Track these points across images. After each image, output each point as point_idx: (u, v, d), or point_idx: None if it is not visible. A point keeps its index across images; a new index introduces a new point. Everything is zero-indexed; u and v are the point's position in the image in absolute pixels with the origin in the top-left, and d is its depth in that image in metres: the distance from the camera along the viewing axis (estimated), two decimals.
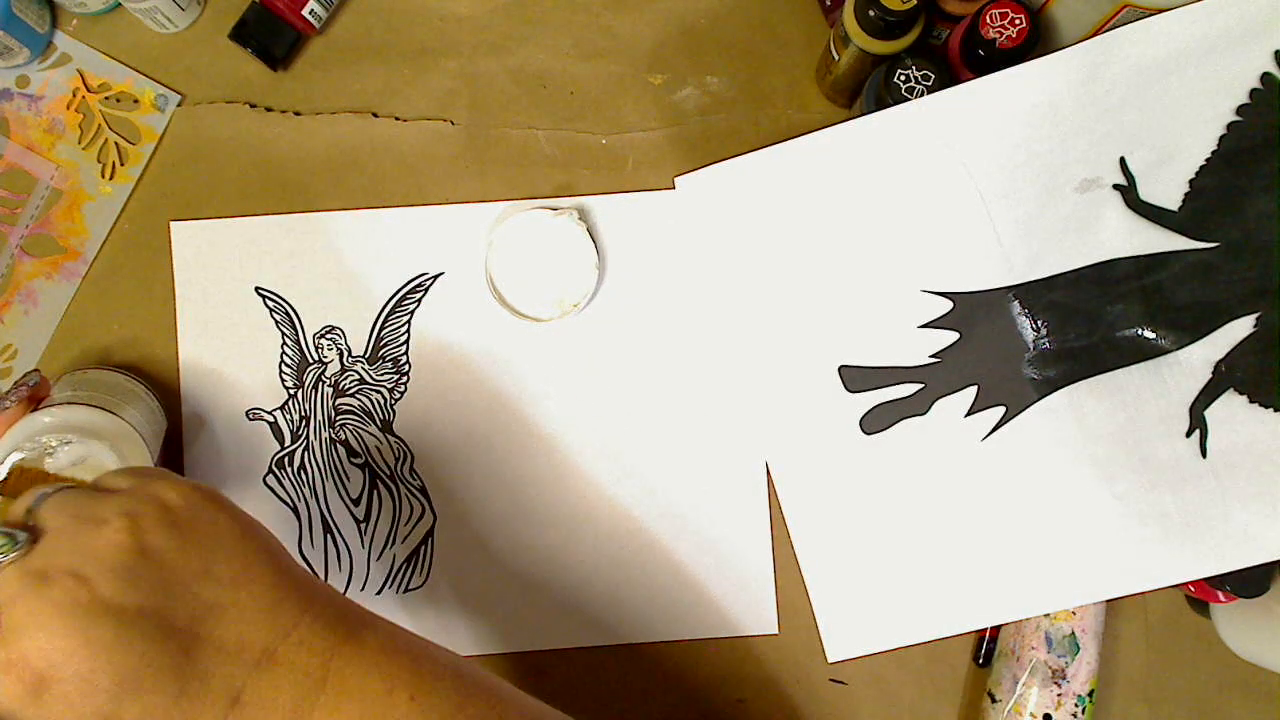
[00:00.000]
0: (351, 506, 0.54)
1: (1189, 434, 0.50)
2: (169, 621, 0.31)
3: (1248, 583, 0.50)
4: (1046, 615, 0.51)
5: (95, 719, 0.29)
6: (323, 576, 0.54)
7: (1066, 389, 0.51)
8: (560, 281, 0.53)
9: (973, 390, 0.52)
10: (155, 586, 0.31)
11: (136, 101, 0.55)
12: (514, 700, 0.37)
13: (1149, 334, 0.50)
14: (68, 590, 0.30)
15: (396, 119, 0.56)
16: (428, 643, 0.37)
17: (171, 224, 0.55)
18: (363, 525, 0.54)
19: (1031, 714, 0.50)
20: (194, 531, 0.33)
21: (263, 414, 0.54)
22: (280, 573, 0.34)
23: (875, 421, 0.52)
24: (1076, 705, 0.50)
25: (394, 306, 0.55)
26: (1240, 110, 0.48)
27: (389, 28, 0.57)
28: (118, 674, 0.29)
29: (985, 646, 0.54)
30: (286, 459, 0.54)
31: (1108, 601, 0.52)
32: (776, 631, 0.54)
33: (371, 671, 0.34)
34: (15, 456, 0.41)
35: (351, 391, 0.54)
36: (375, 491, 0.54)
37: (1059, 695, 0.50)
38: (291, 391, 0.54)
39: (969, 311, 0.51)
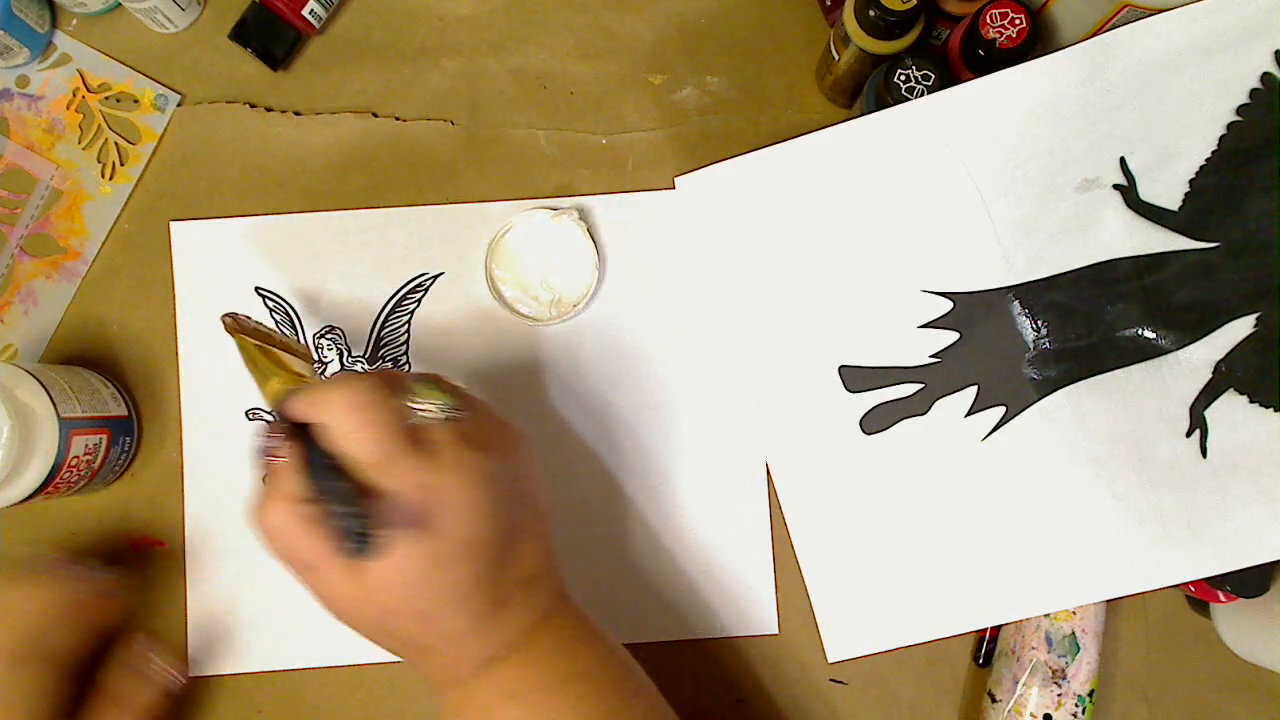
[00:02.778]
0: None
1: (1189, 434, 0.50)
2: (509, 519, 0.38)
3: (1248, 583, 0.50)
4: (1046, 615, 0.51)
5: (436, 556, 0.36)
6: None
7: (1066, 389, 0.51)
8: (560, 281, 0.53)
9: (973, 390, 0.52)
10: (511, 490, 0.39)
11: (136, 101, 0.56)
12: (648, 681, 0.45)
13: (1149, 334, 0.50)
14: (484, 461, 0.37)
15: (396, 119, 0.56)
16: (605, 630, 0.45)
17: (171, 224, 0.55)
18: None
19: (1031, 714, 0.50)
20: (533, 468, 0.42)
21: (263, 414, 0.54)
22: (549, 530, 0.43)
23: (875, 421, 0.52)
24: (1076, 705, 0.50)
25: (394, 306, 0.55)
26: (1240, 110, 0.48)
27: (389, 28, 0.57)
28: (476, 535, 0.37)
29: (985, 646, 0.54)
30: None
31: (1108, 601, 0.52)
32: (776, 632, 0.54)
33: (572, 623, 0.42)
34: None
35: None
36: None
37: (1059, 695, 0.50)
38: None
39: (969, 311, 0.51)
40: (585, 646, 0.42)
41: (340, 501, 0.35)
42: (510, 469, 0.39)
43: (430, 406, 0.38)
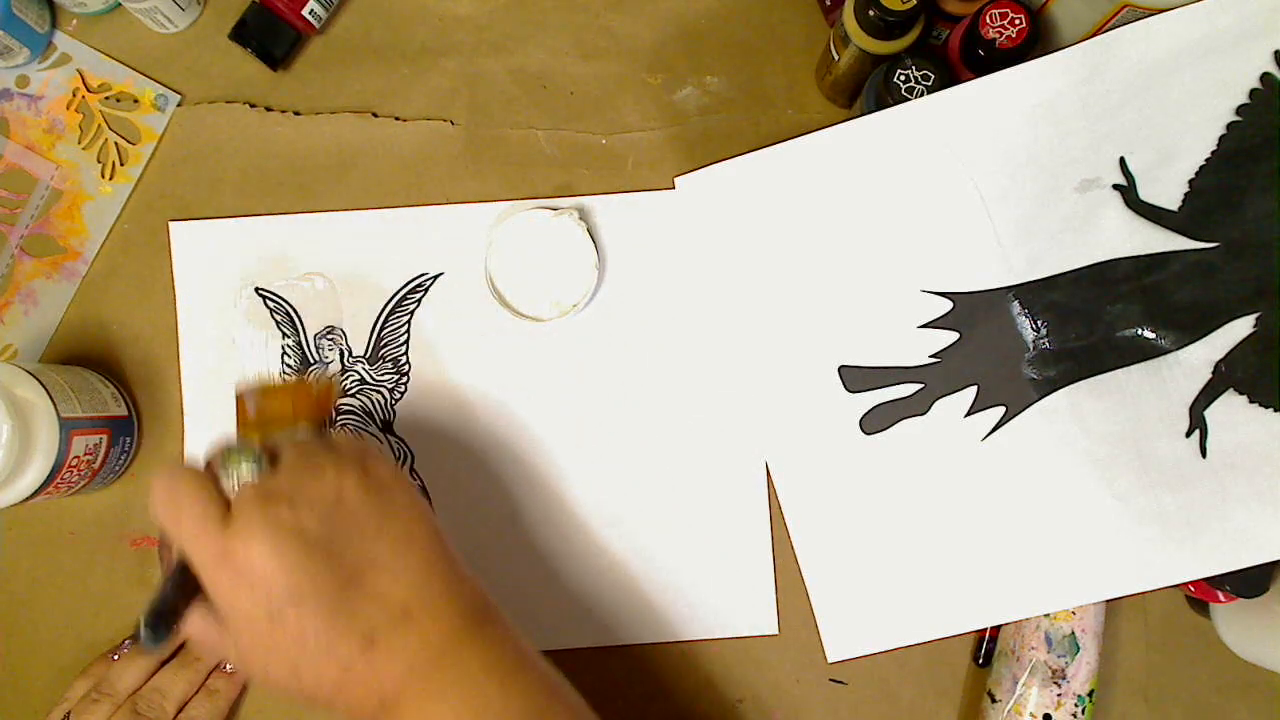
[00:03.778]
0: None
1: (1189, 434, 0.50)
2: (340, 559, 0.37)
3: (1248, 583, 0.50)
4: (1046, 615, 0.51)
5: (265, 613, 0.36)
6: None
7: (1066, 389, 0.51)
8: (560, 281, 0.53)
9: (973, 390, 0.52)
10: (339, 530, 0.38)
11: (136, 101, 0.56)
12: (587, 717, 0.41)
13: (1149, 334, 0.50)
14: (280, 512, 0.37)
15: (396, 119, 0.56)
16: (536, 653, 0.41)
17: (171, 224, 0.55)
18: None
19: (1031, 714, 0.50)
20: (381, 499, 0.40)
21: None
22: (437, 554, 0.40)
23: (875, 421, 0.52)
24: (1076, 705, 0.50)
25: (394, 306, 0.55)
26: (1240, 110, 0.48)
27: (389, 28, 0.57)
28: (291, 583, 0.36)
29: (985, 646, 0.54)
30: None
31: (1108, 601, 0.52)
32: (776, 632, 0.54)
33: (480, 659, 0.39)
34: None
35: (352, 392, 0.54)
36: None
37: (1059, 695, 0.50)
38: None
39: (969, 311, 0.51)
40: (495, 683, 0.38)
41: (158, 592, 0.38)
42: (329, 511, 0.38)
43: (235, 474, 0.38)
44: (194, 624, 0.38)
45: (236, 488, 0.38)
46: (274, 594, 0.36)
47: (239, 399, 0.42)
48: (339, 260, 0.55)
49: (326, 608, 0.37)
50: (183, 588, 0.37)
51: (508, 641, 0.41)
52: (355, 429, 0.54)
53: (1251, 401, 0.49)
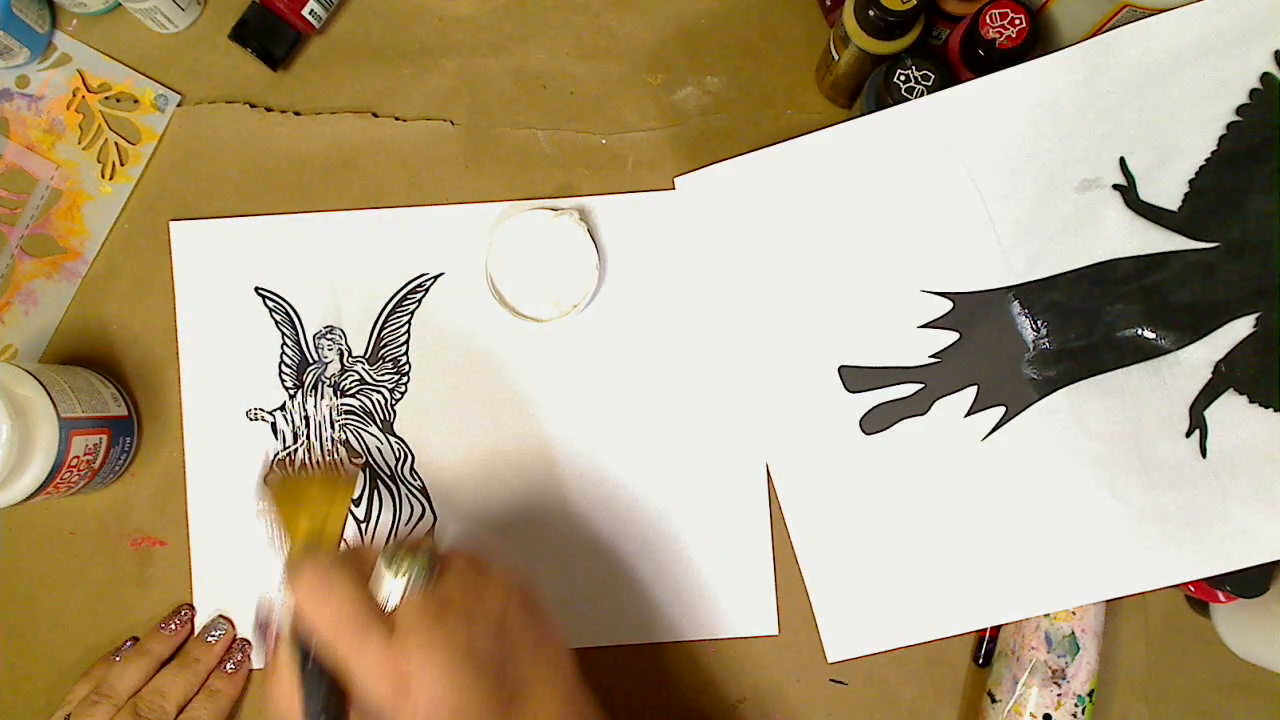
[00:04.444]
0: (352, 507, 0.54)
1: (1189, 434, 0.50)
2: (504, 680, 0.37)
3: (1248, 583, 0.50)
4: (1046, 615, 0.51)
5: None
6: None
7: (1066, 389, 0.51)
8: (560, 282, 0.53)
9: (973, 390, 0.52)
10: (505, 652, 0.37)
11: (136, 101, 0.55)
12: None
13: (1149, 334, 0.50)
14: (455, 627, 0.36)
15: (396, 119, 0.56)
16: None
17: (171, 224, 0.55)
18: (363, 525, 0.54)
19: (1031, 714, 0.50)
20: (539, 622, 0.40)
21: (263, 414, 0.54)
22: (578, 680, 0.41)
23: (875, 421, 0.52)
24: (1076, 705, 0.50)
25: (394, 307, 0.55)
26: (1240, 110, 0.48)
27: (389, 28, 0.57)
28: (459, 705, 0.35)
29: (985, 646, 0.54)
30: (287, 459, 0.54)
31: (1108, 601, 0.52)
32: (776, 632, 0.54)
33: None
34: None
35: (352, 392, 0.54)
36: (375, 492, 0.54)
37: (1059, 695, 0.50)
38: (291, 392, 0.54)
39: (969, 311, 0.51)
40: None
41: (310, 695, 0.35)
42: (496, 630, 0.38)
43: (398, 582, 0.37)
44: None
45: (395, 594, 0.37)
46: (441, 713, 0.35)
47: (264, 474, 0.41)
48: (339, 260, 0.55)
49: None
50: (332, 693, 0.36)
51: None
52: (355, 429, 0.54)
53: (1251, 401, 0.49)
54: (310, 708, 0.35)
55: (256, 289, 0.55)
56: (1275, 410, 0.49)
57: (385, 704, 0.35)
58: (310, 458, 0.54)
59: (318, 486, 0.43)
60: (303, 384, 0.54)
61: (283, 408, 0.54)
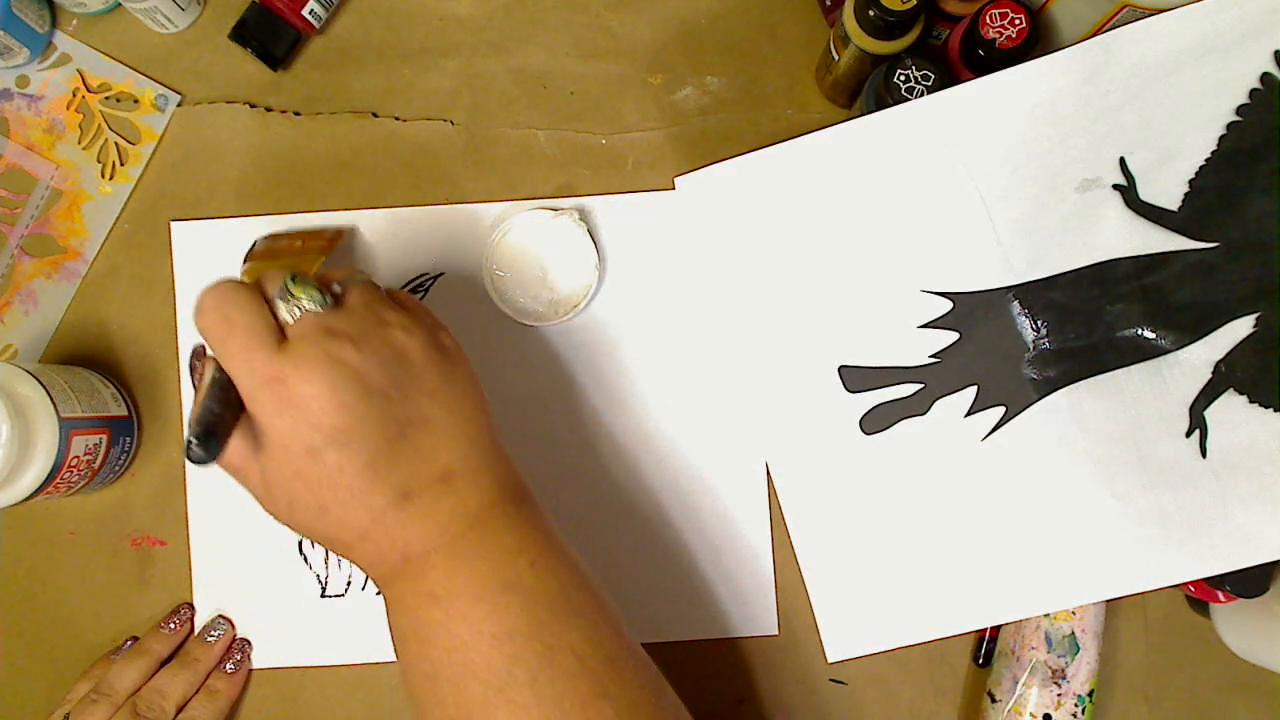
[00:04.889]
0: None
1: (1189, 434, 0.50)
2: (392, 412, 0.37)
3: (1248, 583, 0.50)
4: (1046, 615, 0.51)
5: (305, 446, 0.36)
6: (324, 574, 0.54)
7: (1066, 389, 0.51)
8: (560, 282, 0.53)
9: (973, 390, 0.52)
10: (398, 382, 0.37)
11: (136, 101, 0.56)
12: (612, 613, 0.40)
13: (1149, 334, 0.50)
14: (341, 351, 0.36)
15: (396, 119, 0.56)
16: (567, 543, 0.41)
17: (171, 224, 0.55)
18: None
19: (1031, 714, 0.50)
20: (444, 363, 0.40)
21: None
22: (484, 427, 0.41)
23: (875, 421, 0.52)
24: (1076, 705, 0.50)
25: None
26: (1240, 110, 0.48)
27: (389, 28, 0.57)
28: (339, 423, 0.36)
29: (985, 646, 0.54)
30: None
31: (1108, 601, 0.52)
32: (776, 633, 0.54)
33: (514, 533, 0.39)
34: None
35: None
36: None
37: (1059, 695, 0.50)
38: None
39: (969, 311, 0.51)
40: (523, 557, 0.38)
41: (202, 403, 0.36)
42: (392, 359, 0.38)
43: (297, 304, 0.37)
44: (230, 443, 0.37)
45: (294, 318, 0.37)
46: (320, 429, 0.35)
47: (251, 247, 0.40)
48: (339, 260, 0.55)
49: (369, 454, 0.36)
50: (225, 403, 0.36)
51: (542, 523, 0.41)
52: None
53: (1251, 401, 0.49)
54: (198, 414, 0.36)
55: None
56: (1275, 410, 0.49)
57: (266, 414, 0.36)
58: None
59: (298, 240, 0.43)
60: None
61: None
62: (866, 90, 0.52)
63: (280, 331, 0.37)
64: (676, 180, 0.53)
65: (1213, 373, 0.50)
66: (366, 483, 0.36)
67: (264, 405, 0.36)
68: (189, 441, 0.35)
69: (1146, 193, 0.50)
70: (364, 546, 0.38)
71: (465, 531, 0.38)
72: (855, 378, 0.52)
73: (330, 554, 0.54)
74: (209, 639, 0.52)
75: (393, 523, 0.37)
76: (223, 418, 0.36)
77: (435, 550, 0.38)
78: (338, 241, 0.45)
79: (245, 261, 0.43)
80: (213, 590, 0.54)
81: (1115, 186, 0.50)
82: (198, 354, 0.40)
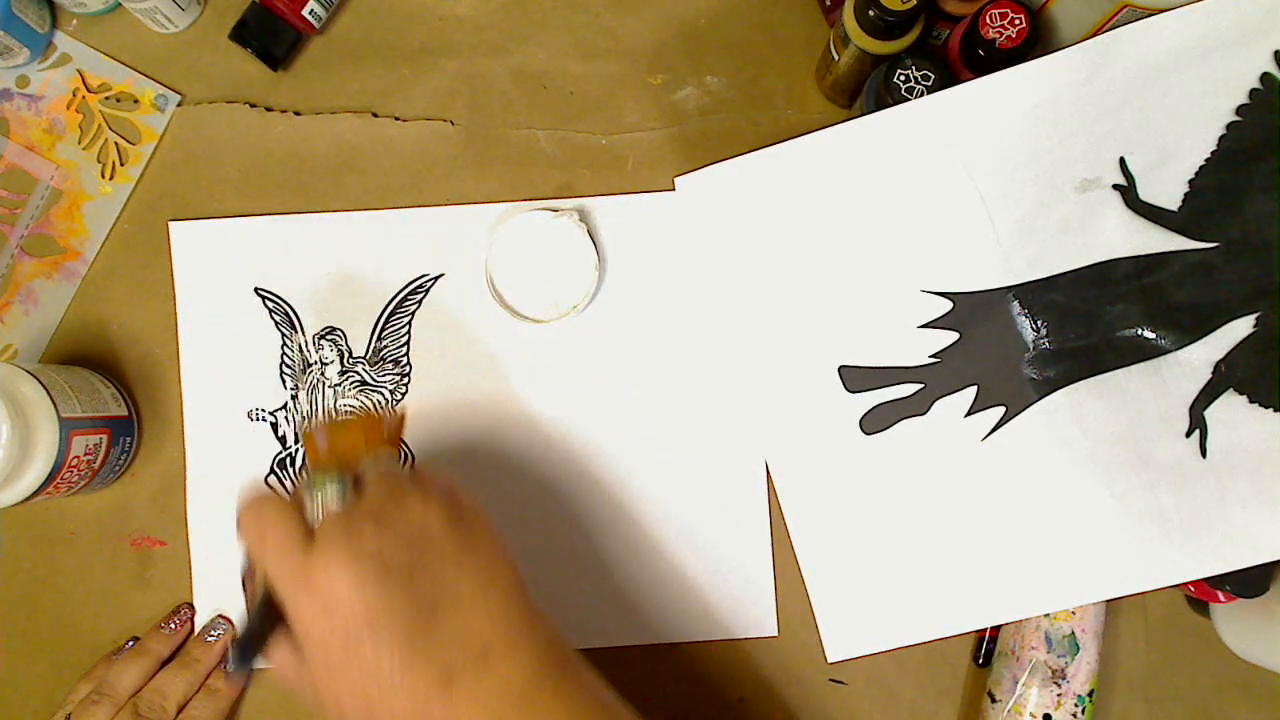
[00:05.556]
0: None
1: (1189, 434, 0.50)
2: (420, 590, 0.36)
3: (1248, 583, 0.50)
4: (1046, 615, 0.51)
5: (341, 642, 0.35)
6: None
7: (1066, 389, 0.51)
8: (560, 283, 0.53)
9: (973, 390, 0.52)
10: (420, 560, 0.37)
11: (136, 101, 0.55)
12: None
13: (1149, 334, 0.50)
14: (363, 538, 0.36)
15: (396, 119, 0.56)
16: (619, 700, 0.40)
17: (171, 224, 0.55)
18: None
19: (1031, 714, 0.50)
20: (466, 532, 0.39)
21: (263, 414, 0.54)
22: (517, 592, 0.39)
23: (875, 421, 0.52)
24: (1076, 705, 0.50)
25: (395, 307, 0.55)
26: (1240, 110, 0.48)
27: (389, 28, 0.57)
28: (368, 610, 0.35)
29: (985, 646, 0.54)
30: (288, 459, 0.54)
31: (1108, 601, 0.52)
32: (776, 633, 0.54)
33: (564, 704, 0.38)
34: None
35: (352, 393, 0.54)
36: None
37: (1059, 695, 0.50)
38: (292, 392, 0.54)
39: (969, 311, 0.51)
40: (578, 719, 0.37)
41: (247, 622, 0.38)
42: (413, 538, 0.37)
43: (320, 499, 0.38)
44: (277, 653, 0.38)
45: (321, 515, 0.38)
46: (351, 621, 0.35)
47: (308, 438, 0.42)
48: (339, 260, 0.55)
49: (402, 638, 0.35)
50: (269, 615, 0.37)
51: (590, 688, 0.40)
52: None
53: (1251, 401, 0.49)
54: (242, 632, 0.37)
55: (256, 289, 0.55)
56: (1275, 410, 0.49)
57: (303, 616, 0.36)
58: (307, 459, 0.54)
59: (353, 430, 0.43)
60: (303, 385, 0.54)
61: (283, 408, 0.54)
62: (866, 90, 0.52)
63: (310, 534, 0.37)
64: (676, 180, 0.53)
65: (1213, 373, 0.50)
66: (407, 670, 0.35)
67: (299, 609, 0.36)
68: (224, 658, 0.40)
69: (1146, 193, 0.50)
70: None
71: (514, 710, 0.36)
72: (855, 378, 0.52)
73: None
74: (209, 639, 0.52)
75: (440, 712, 0.36)
76: (262, 630, 0.37)
77: None
78: (400, 428, 0.46)
79: (309, 459, 0.43)
80: (213, 590, 0.54)
81: (1115, 186, 0.50)
82: (249, 573, 0.40)
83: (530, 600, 0.40)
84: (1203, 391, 0.50)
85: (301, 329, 0.55)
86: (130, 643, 0.53)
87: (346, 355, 0.54)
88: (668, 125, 0.56)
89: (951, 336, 0.52)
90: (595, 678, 0.40)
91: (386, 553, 0.36)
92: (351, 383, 0.54)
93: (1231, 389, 0.50)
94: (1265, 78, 0.48)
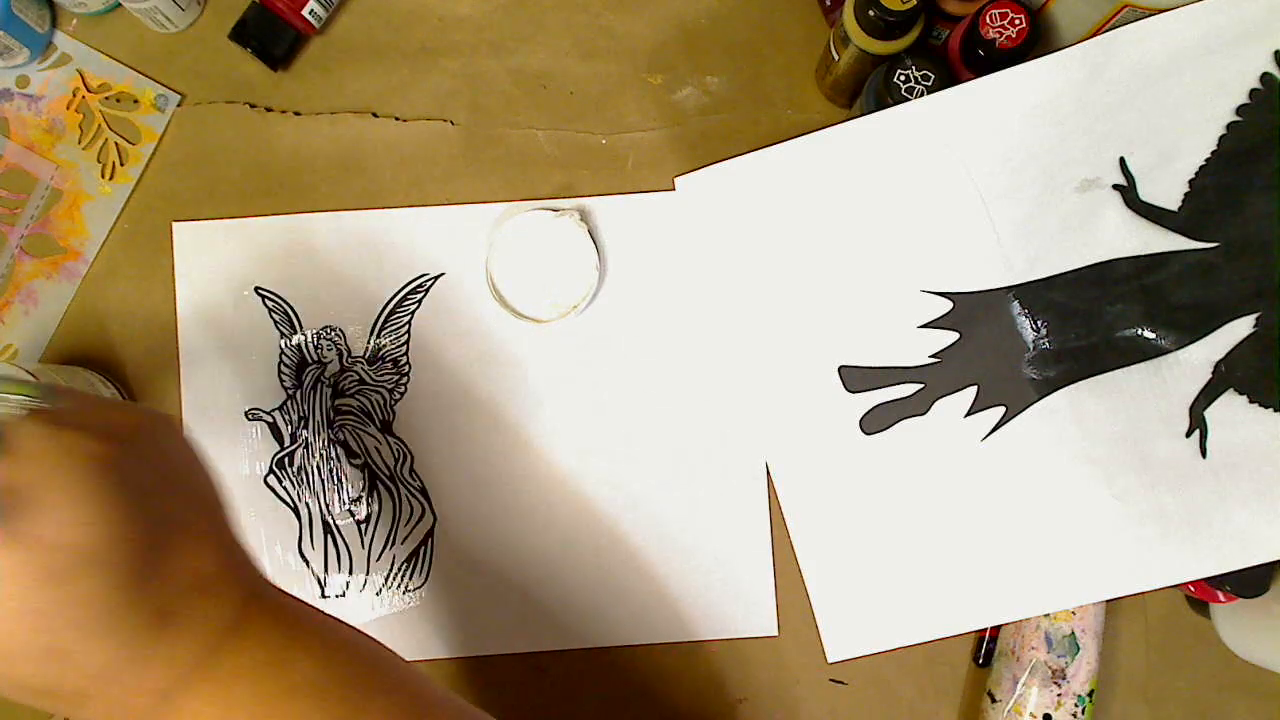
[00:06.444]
0: (352, 507, 0.54)
1: (1189, 434, 0.50)
2: (151, 512, 0.30)
3: (1248, 583, 0.50)
4: (1046, 615, 0.51)
5: (44, 575, 0.28)
6: (323, 577, 0.54)
7: (1066, 389, 0.51)
8: (561, 282, 0.53)
9: (973, 390, 0.52)
10: (154, 476, 0.31)
11: (136, 101, 0.55)
12: (408, 675, 0.36)
13: (1149, 334, 0.50)
14: (84, 441, 0.29)
15: (396, 119, 0.56)
16: (328, 614, 0.36)
17: (172, 224, 0.55)
18: (363, 526, 0.54)
19: (1031, 714, 0.50)
20: (184, 447, 0.34)
21: (262, 414, 0.54)
22: (229, 525, 0.35)
23: (875, 421, 0.52)
24: (1076, 705, 0.50)
25: (394, 307, 0.55)
26: (1240, 110, 0.48)
27: (389, 28, 0.57)
28: (91, 538, 0.28)
29: (985, 646, 0.54)
30: (287, 459, 0.54)
31: (1108, 601, 0.52)
32: (776, 633, 0.54)
33: (279, 621, 0.33)
34: None
35: (351, 392, 0.54)
36: (375, 492, 0.54)
37: (1059, 695, 0.50)
38: (291, 392, 0.54)
39: (969, 311, 0.51)
40: (300, 649, 0.33)
41: None
42: (144, 452, 0.31)
43: (6, 401, 0.30)
44: None
45: (10, 418, 0.29)
46: (64, 541, 0.28)
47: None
48: (339, 260, 0.55)
49: (128, 569, 0.29)
50: None
51: (294, 605, 0.35)
52: (354, 429, 0.54)
53: (1251, 401, 0.49)
54: None
55: (256, 289, 0.55)
56: (1275, 410, 0.49)
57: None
58: (309, 458, 0.54)
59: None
60: (302, 384, 0.54)
61: (282, 407, 0.54)
62: (866, 90, 0.52)
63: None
64: (676, 180, 0.53)
65: (1213, 373, 0.50)
66: (116, 608, 0.29)
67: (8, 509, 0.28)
68: None
69: (1146, 193, 0.50)
70: (108, 693, 0.30)
71: (230, 643, 0.32)
72: (855, 378, 0.52)
73: (328, 554, 0.54)
74: None
75: (151, 655, 0.30)
76: None
77: (201, 676, 0.31)
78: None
79: None
80: None
81: (1115, 186, 0.50)
82: None
83: (238, 537, 0.35)
84: (1203, 391, 0.50)
85: (301, 329, 0.55)
86: None
87: (346, 355, 0.54)
88: (668, 125, 0.56)
89: (951, 336, 0.52)
90: (294, 597, 0.36)
91: (128, 464, 0.29)
92: (350, 382, 0.54)
93: (1231, 389, 0.50)
94: (1265, 78, 0.48)
